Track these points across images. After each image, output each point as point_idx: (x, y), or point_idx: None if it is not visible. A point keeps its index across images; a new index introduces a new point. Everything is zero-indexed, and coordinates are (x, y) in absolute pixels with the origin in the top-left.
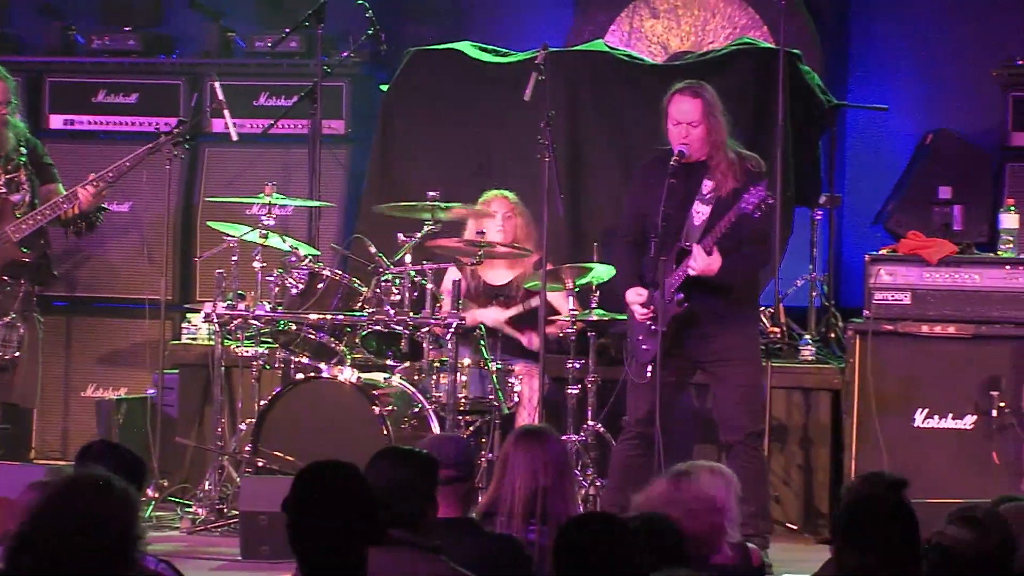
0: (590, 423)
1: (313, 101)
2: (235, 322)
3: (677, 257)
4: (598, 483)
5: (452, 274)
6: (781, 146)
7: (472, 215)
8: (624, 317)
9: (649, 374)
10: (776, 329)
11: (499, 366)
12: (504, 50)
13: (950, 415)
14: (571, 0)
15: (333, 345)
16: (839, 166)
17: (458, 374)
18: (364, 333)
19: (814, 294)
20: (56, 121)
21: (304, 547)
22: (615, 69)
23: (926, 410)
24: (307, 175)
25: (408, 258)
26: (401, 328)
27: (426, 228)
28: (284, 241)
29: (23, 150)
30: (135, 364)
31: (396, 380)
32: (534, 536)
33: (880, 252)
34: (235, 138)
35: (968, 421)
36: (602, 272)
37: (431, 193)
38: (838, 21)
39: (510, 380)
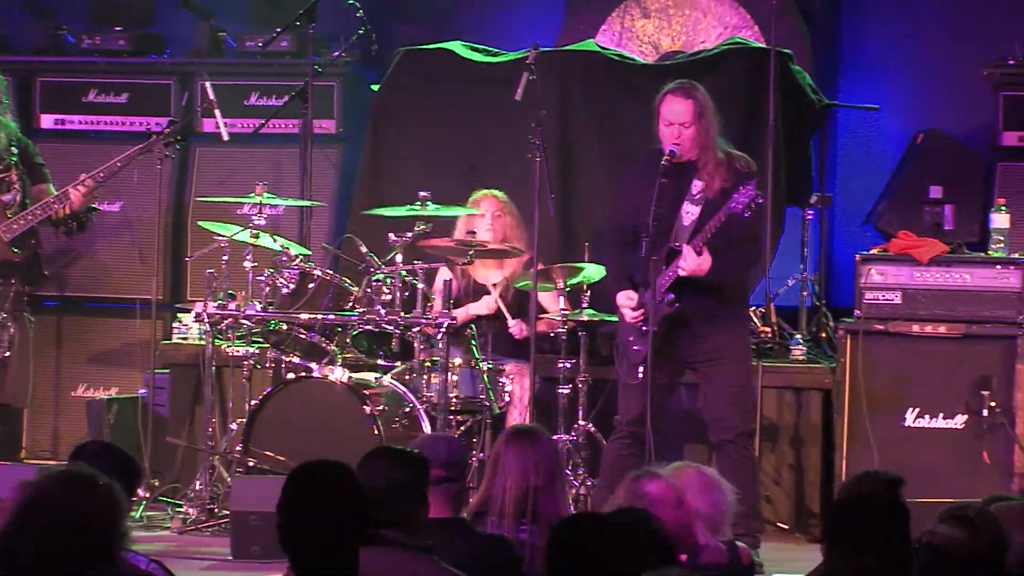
0: (581, 423)
1: (304, 101)
2: (226, 322)
3: (667, 257)
4: (589, 483)
5: (443, 274)
6: (772, 146)
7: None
8: (615, 318)
9: (640, 375)
10: (767, 329)
11: (490, 366)
12: (495, 50)
13: (941, 415)
14: (562, 0)
15: (324, 345)
16: (830, 166)
17: (449, 374)
18: (355, 333)
19: (805, 294)
20: (47, 121)
21: (296, 547)
22: (606, 69)
23: (917, 410)
24: (298, 175)
25: (399, 258)
26: (392, 328)
27: (417, 228)
28: (275, 241)
29: (14, 150)
30: (126, 364)
31: (387, 380)
32: (525, 536)
33: (871, 252)
34: (226, 138)
35: (959, 421)
36: (593, 272)
37: (422, 193)
38: (829, 21)
39: (501, 380)
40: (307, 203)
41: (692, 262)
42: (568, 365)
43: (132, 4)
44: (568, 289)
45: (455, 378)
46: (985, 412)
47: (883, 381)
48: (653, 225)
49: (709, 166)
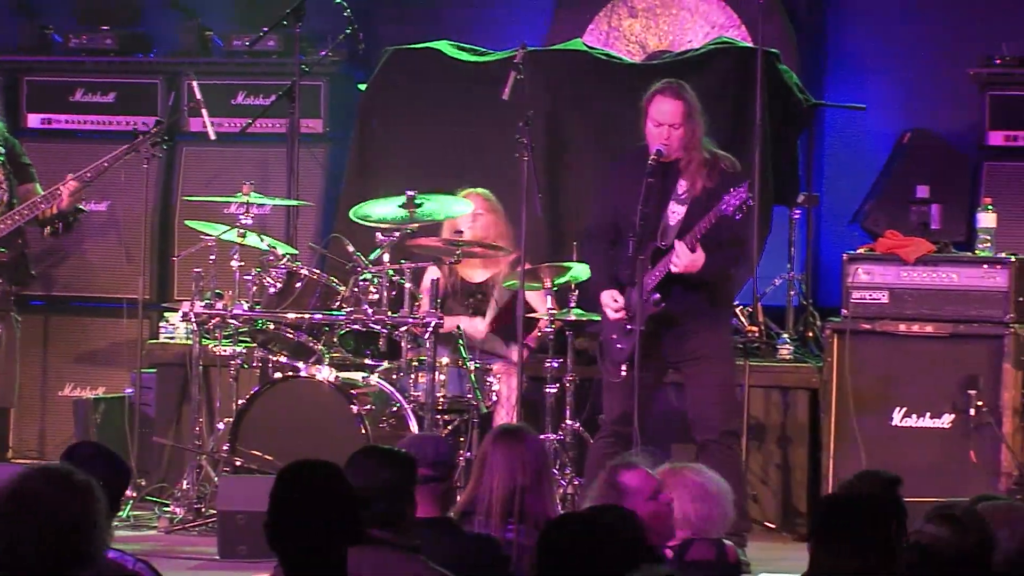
0: (568, 422)
1: (291, 100)
2: (213, 321)
3: (653, 257)
4: (576, 482)
5: (431, 273)
6: (759, 145)
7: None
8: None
9: (624, 373)
10: (754, 328)
11: (477, 365)
12: (483, 49)
13: (928, 414)
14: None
15: (311, 344)
16: (817, 165)
17: (436, 373)
18: (342, 332)
19: (792, 293)
20: (34, 120)
21: (284, 546)
22: (594, 68)
23: (904, 409)
24: (285, 174)
25: (386, 257)
26: (379, 327)
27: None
28: (262, 240)
29: (1, 149)
30: (113, 363)
31: (374, 379)
32: (512, 535)
33: (858, 251)
34: (213, 137)
35: (946, 420)
36: (580, 271)
37: (409, 192)
38: (816, 20)
39: (488, 379)
40: (294, 202)
41: (686, 258)
42: (556, 364)
43: (119, 4)
44: (556, 288)
45: (442, 377)
46: (972, 411)
47: (870, 380)
48: (640, 225)
49: (693, 165)
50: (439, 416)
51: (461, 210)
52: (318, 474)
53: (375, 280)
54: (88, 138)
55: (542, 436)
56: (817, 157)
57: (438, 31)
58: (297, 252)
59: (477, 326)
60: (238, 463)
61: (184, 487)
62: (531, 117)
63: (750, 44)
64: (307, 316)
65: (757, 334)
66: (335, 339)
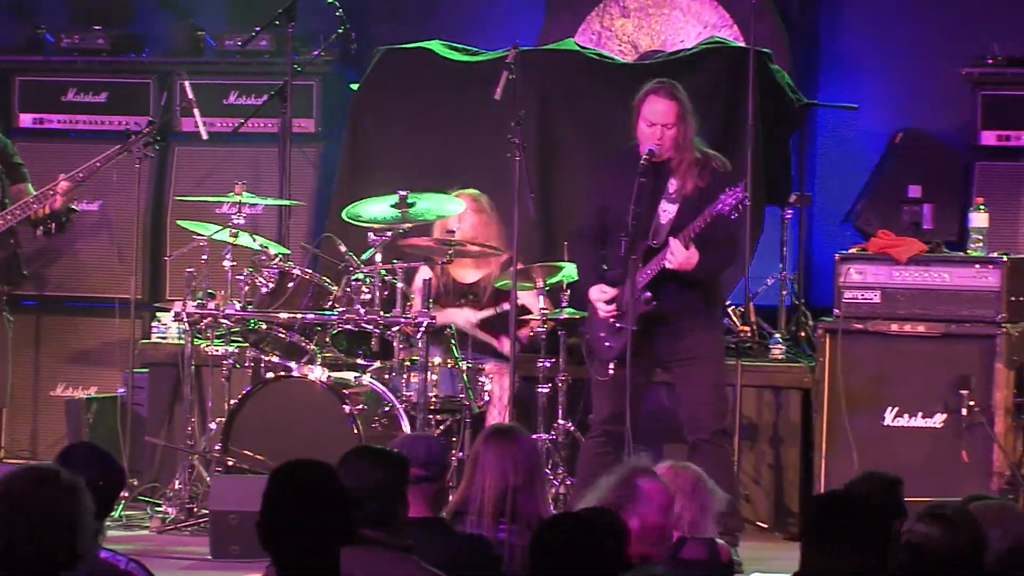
0: (560, 422)
1: (283, 100)
2: (205, 321)
3: (644, 256)
4: (568, 482)
5: (423, 273)
6: (752, 145)
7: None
8: None
9: (612, 371)
10: (746, 328)
11: (469, 365)
12: (475, 49)
13: (920, 414)
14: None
15: (303, 344)
16: (809, 165)
17: (429, 373)
18: (334, 332)
19: (784, 293)
20: (26, 120)
21: (277, 546)
22: (586, 68)
23: (896, 408)
24: (277, 174)
25: (379, 257)
26: (371, 327)
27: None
28: (254, 240)
29: None
30: (105, 363)
31: (366, 379)
32: (504, 535)
33: (850, 251)
34: (205, 137)
35: (938, 420)
36: (572, 271)
37: (401, 192)
38: (808, 20)
39: (481, 379)
40: (286, 202)
41: (680, 255)
42: (548, 364)
43: (111, 3)
44: (548, 288)
45: (435, 377)
46: (964, 411)
47: (862, 380)
48: (632, 224)
49: (684, 165)
50: (431, 416)
51: (453, 209)
52: (311, 474)
53: (367, 280)
54: (80, 138)
55: (534, 436)
56: (809, 157)
57: (430, 31)
58: (289, 252)
59: (469, 317)
60: (230, 463)
61: (176, 487)
62: (523, 117)
63: (742, 44)
64: (299, 316)
65: (749, 334)
66: (327, 339)
